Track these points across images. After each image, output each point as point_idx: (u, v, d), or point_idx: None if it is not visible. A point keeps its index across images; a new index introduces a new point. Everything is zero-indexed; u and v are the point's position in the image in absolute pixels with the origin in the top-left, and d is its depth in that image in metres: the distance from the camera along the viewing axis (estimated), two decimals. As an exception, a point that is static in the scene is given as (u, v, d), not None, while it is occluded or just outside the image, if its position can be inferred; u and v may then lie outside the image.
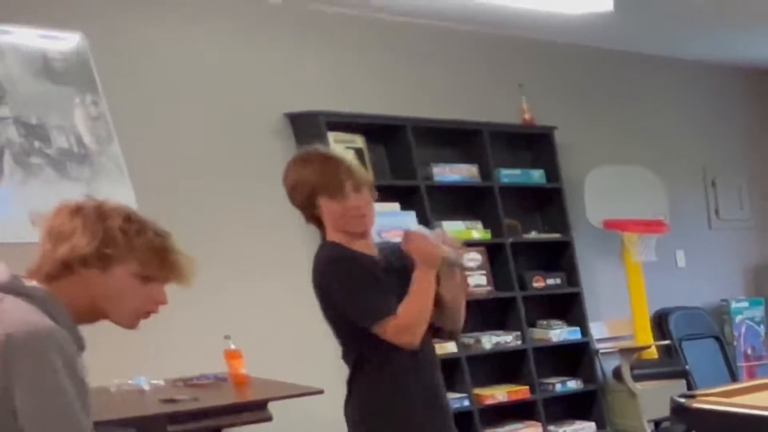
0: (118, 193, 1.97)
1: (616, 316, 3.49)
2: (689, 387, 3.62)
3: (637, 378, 3.58)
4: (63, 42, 2.19)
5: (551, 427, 3.38)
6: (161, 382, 2.27)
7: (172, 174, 2.27)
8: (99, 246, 0.79)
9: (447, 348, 2.82)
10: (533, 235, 3.09)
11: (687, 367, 3.77)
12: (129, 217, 0.85)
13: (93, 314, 0.81)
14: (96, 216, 0.83)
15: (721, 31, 3.35)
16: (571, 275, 3.15)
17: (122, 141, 2.18)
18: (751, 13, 3.08)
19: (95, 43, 2.20)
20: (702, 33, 3.40)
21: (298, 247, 2.34)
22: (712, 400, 2.22)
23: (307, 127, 2.56)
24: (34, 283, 0.85)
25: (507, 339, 3.07)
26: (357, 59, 2.80)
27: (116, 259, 0.80)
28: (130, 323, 0.83)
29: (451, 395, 2.90)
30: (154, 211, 2.06)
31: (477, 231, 2.89)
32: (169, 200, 2.20)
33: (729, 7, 2.92)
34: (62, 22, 2.23)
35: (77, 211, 0.85)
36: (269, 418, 2.08)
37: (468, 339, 2.99)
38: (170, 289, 0.85)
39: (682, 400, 2.35)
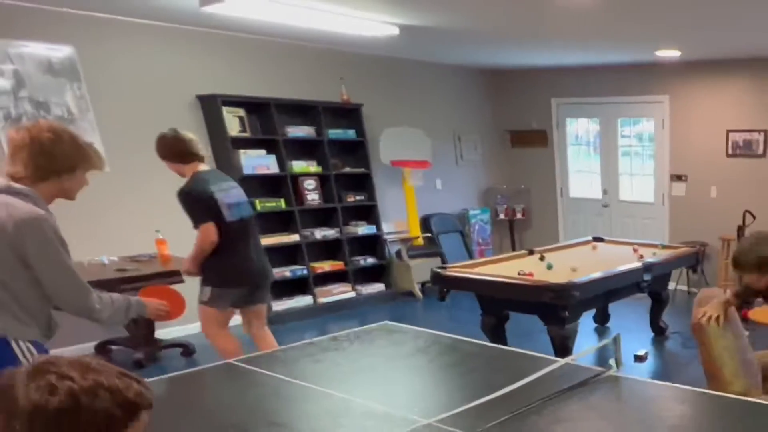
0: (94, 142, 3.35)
1: (398, 218, 5.35)
2: (443, 262, 5.38)
3: (410, 257, 5.48)
4: (60, 51, 3.43)
5: (358, 287, 5.08)
6: (116, 259, 3.46)
7: (126, 131, 3.66)
8: (67, 161, 1.34)
9: (293, 238, 4.50)
10: (347, 169, 4.76)
11: (442, 250, 5.64)
12: (76, 139, 1.44)
13: (53, 200, 1.38)
14: (69, 139, 1.42)
15: (467, 47, 4.84)
16: (371, 194, 4.94)
17: (96, 112, 3.54)
18: (485, 36, 4.47)
19: (81, 52, 3.49)
20: (455, 47, 4.85)
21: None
22: (456, 269, 3.77)
23: (209, 104, 4.03)
24: (22, 185, 1.35)
25: (331, 232, 4.76)
26: (242, 61, 4.31)
27: (78, 167, 1.37)
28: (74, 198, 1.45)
29: (296, 267, 4.66)
30: (115, 151, 3.77)
31: (313, 167, 4.56)
32: (124, 147, 3.62)
33: (472, 32, 4.24)
34: (60, 39, 3.46)
35: (54, 134, 1.41)
36: (182, 281, 3.18)
37: (306, 232, 4.57)
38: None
39: (439, 269, 3.76)
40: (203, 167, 2.71)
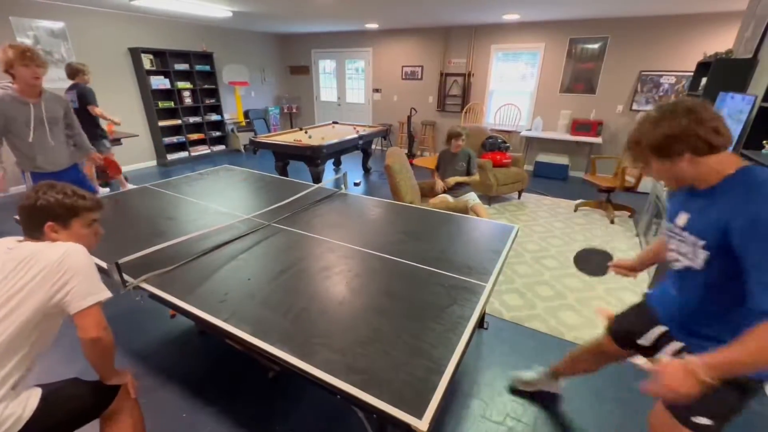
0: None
1: (232, 111, 8.63)
2: (255, 134, 8.32)
3: (238, 131, 8.64)
4: (57, 25, 5.60)
5: (212, 147, 8.33)
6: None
7: (93, 68, 6.02)
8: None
9: (178, 122, 7.74)
10: (206, 86, 7.81)
11: (254, 128, 8.34)
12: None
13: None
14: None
15: (267, 22, 7.22)
16: (218, 99, 8.11)
17: (77, 56, 5.84)
18: (279, 17, 7.21)
19: (68, 25, 5.73)
20: (259, 22, 7.06)
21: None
22: (262, 138, 5.94)
23: (134, 52, 6.49)
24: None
25: (198, 119, 7.80)
26: (152, 29, 6.59)
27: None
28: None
29: (180, 137, 7.91)
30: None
31: (188, 85, 7.61)
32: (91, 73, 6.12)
33: (271, 14, 6.93)
34: (58, 17, 5.56)
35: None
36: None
37: (185, 119, 7.69)
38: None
39: (252, 138, 5.10)
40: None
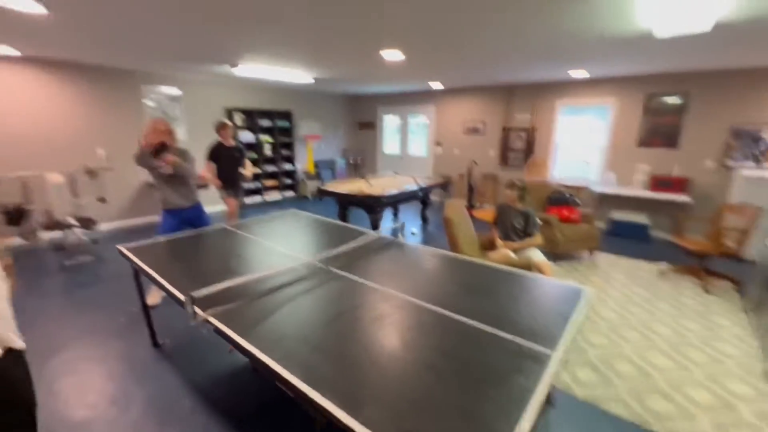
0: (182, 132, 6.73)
1: (304, 161, 9.42)
2: (322, 182, 8.54)
3: (307, 179, 9.06)
4: (174, 90, 6.47)
5: (283, 193, 8.98)
6: None
7: (197, 125, 6.89)
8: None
9: (257, 170, 8.31)
10: (283, 139, 8.52)
11: (322, 177, 8.79)
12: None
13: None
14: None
15: (341, 85, 8.32)
16: (292, 150, 8.77)
17: (186, 116, 6.62)
18: (349, 80, 8.30)
19: (183, 91, 6.60)
20: (335, 85, 8.26)
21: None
22: (327, 186, 5.17)
23: (229, 111, 7.28)
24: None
25: (274, 168, 8.64)
26: (245, 92, 7.57)
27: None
28: None
29: (257, 183, 8.50)
30: (193, 133, 7.35)
31: (269, 138, 8.27)
32: (197, 132, 6.95)
33: (344, 79, 7.70)
34: (174, 84, 6.45)
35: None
36: None
37: (264, 167, 8.52)
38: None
39: (320, 186, 5.14)
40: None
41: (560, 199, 5.10)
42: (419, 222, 6.43)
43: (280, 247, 2.72)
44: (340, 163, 9.59)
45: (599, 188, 6.16)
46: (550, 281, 2.21)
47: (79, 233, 4.99)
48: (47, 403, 2.30)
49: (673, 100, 5.71)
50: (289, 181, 8.48)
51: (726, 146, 5.41)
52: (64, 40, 3.99)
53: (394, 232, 2.93)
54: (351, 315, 1.79)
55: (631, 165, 6.19)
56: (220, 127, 4.67)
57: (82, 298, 3.67)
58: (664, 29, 3.18)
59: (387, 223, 6.08)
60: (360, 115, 9.95)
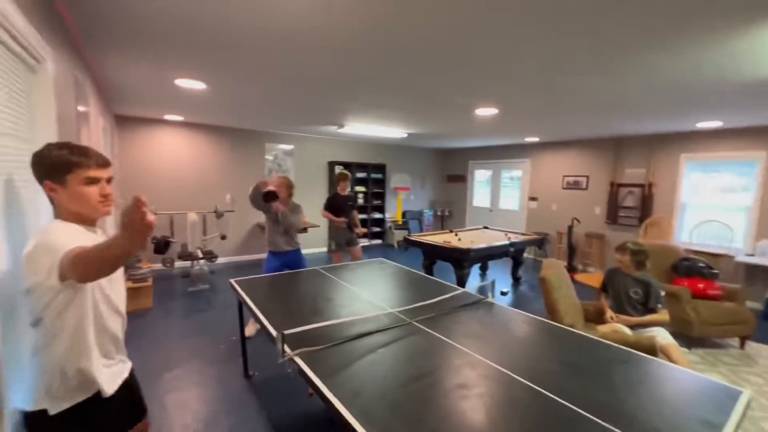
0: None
1: (393, 211, 9.39)
2: (408, 233, 8.62)
3: (395, 229, 8.97)
4: (290, 146, 7.37)
5: (372, 241, 9.08)
6: None
7: (303, 178, 7.66)
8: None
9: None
10: (376, 190, 8.71)
11: (409, 227, 8.75)
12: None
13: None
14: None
15: (432, 139, 8.47)
16: (383, 200, 9.09)
17: (296, 171, 7.49)
18: (442, 135, 8.12)
19: (295, 147, 7.45)
20: (428, 140, 8.48)
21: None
22: (414, 237, 5.34)
23: (331, 165, 8.02)
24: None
25: (364, 216, 9.05)
26: (347, 148, 8.21)
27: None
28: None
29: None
30: (299, 185, 8.25)
31: (363, 189, 8.73)
32: (300, 185, 7.65)
33: (435, 134, 7.82)
34: (290, 143, 7.49)
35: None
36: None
37: (358, 216, 8.87)
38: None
39: (406, 236, 5.32)
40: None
41: (692, 268, 4.17)
42: (510, 281, 5.92)
43: (367, 294, 2.71)
44: (428, 214, 9.58)
45: (748, 259, 4.97)
46: (688, 373, 1.75)
47: (202, 264, 5.71)
48: (159, 415, 2.51)
49: None
50: (377, 229, 8.71)
51: None
52: (212, 108, 4.88)
53: (483, 290, 2.72)
54: (433, 377, 1.65)
55: (794, 231, 4.93)
56: (341, 178, 4.93)
57: (197, 321, 4.08)
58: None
59: (474, 279, 5.70)
60: (450, 168, 9.98)
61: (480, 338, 2.05)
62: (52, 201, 1.19)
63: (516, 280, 5.89)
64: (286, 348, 1.84)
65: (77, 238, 1.13)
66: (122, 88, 3.78)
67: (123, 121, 5.81)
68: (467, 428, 1.31)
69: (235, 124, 6.36)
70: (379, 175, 8.61)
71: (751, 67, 2.66)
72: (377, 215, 8.70)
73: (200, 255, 5.59)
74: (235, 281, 2.98)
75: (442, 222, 9.90)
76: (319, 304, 2.47)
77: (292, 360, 1.78)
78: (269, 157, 7.16)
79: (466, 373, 1.69)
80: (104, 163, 1.22)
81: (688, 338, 3.95)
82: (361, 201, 8.40)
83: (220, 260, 6.78)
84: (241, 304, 2.80)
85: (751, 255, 5.14)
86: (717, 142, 5.53)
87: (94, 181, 1.20)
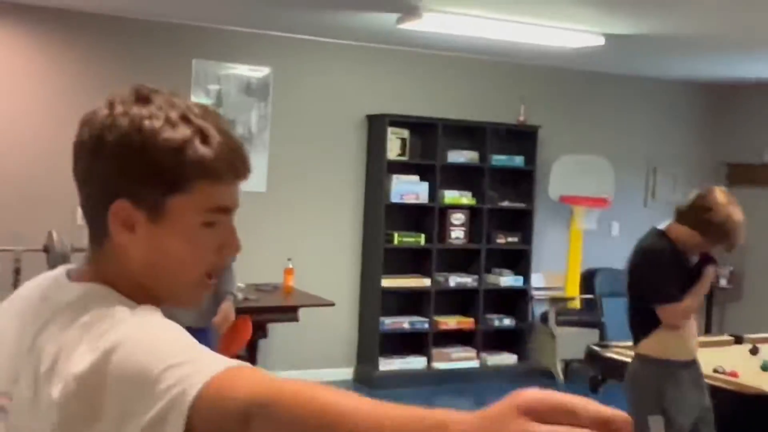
0: (258, 162, 2.92)
1: (554, 269, 3.72)
2: (601, 337, 3.52)
3: (559, 323, 3.64)
4: (259, 72, 3.17)
5: (484, 354, 3.53)
6: (242, 286, 2.59)
7: (292, 152, 3.17)
8: None
9: (422, 283, 3.28)
10: (506, 203, 3.44)
11: (603, 320, 3.68)
12: None
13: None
14: None
15: (683, 57, 3.42)
16: (527, 235, 3.51)
17: (271, 131, 3.15)
18: (699, 43, 3.13)
19: (275, 72, 3.18)
20: (666, 57, 3.47)
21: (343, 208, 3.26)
22: (621, 350, 2.23)
23: (377, 124, 3.28)
24: None
25: (468, 280, 3.41)
26: (419, 79, 3.45)
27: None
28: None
29: (416, 318, 3.38)
30: (277, 171, 2.95)
31: (467, 198, 3.39)
32: (286, 168, 3.14)
33: (684, 38, 3.02)
34: (260, 61, 3.19)
35: None
36: (296, 320, 2.67)
37: (439, 277, 3.29)
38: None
39: (596, 347, 2.39)
40: None
41: None
42: None
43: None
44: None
45: None
46: None
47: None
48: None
49: None
50: (505, 320, 3.58)
51: None
52: None
53: None
54: None
55: None
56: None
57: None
58: None
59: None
60: (738, 144, 4.22)
61: None
62: (101, 243, 0.42)
63: None
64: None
65: None
66: None
67: None
68: None
69: (115, 9, 2.93)
70: (518, 160, 3.39)
71: None
72: (506, 278, 3.46)
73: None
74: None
75: (709, 304, 4.00)
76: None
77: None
78: (205, 99, 2.83)
79: None
80: (245, 172, 0.45)
81: None
82: (458, 238, 3.27)
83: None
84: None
85: None
86: None
87: (224, 212, 0.44)
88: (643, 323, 1.94)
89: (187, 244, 0.40)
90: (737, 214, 1.80)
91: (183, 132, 0.37)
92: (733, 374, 2.21)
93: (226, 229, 0.42)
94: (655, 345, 1.93)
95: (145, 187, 0.38)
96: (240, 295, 2.45)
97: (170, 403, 0.30)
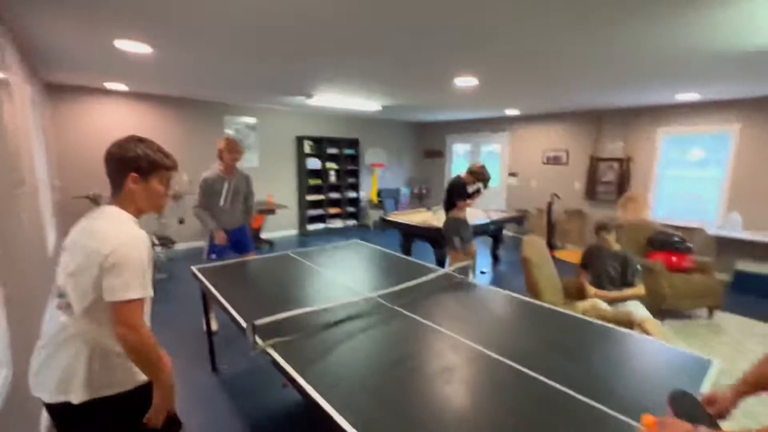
0: (254, 155, 7.32)
1: (367, 190, 9.56)
2: (385, 212, 8.62)
3: (370, 208, 9.11)
4: (251, 120, 7.07)
5: (346, 222, 8.74)
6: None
7: (265, 156, 7.37)
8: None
9: (321, 197, 8.57)
10: (350, 167, 8.65)
11: (385, 207, 8.69)
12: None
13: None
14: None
15: (409, 112, 8.41)
16: (357, 178, 9.02)
17: (259, 146, 7.19)
18: (419, 107, 7.90)
19: (258, 121, 7.12)
20: (403, 112, 8.44)
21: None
22: (391, 216, 5.75)
23: (299, 139, 7.76)
24: None
25: (338, 195, 8.45)
26: (315, 120, 7.99)
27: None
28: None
29: (319, 210, 8.68)
30: (266, 160, 8.36)
31: (335, 166, 8.62)
32: (265, 163, 7.40)
33: (413, 106, 7.87)
34: (251, 114, 7.23)
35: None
36: (274, 213, 7.59)
37: (327, 194, 8.43)
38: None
39: (382, 216, 6.32)
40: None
41: (666, 242, 4.48)
42: (490, 260, 6.10)
43: (343, 279, 2.70)
44: (405, 192, 9.64)
45: (719, 231, 5.34)
46: (664, 346, 1.87)
47: (158, 251, 5.48)
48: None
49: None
50: (351, 209, 8.65)
51: None
52: (161, 76, 4.57)
53: (463, 270, 2.78)
54: (414, 362, 1.65)
55: (762, 204, 5.30)
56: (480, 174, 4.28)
57: (156, 315, 3.93)
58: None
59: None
60: (427, 144, 9.98)
61: (461, 320, 2.08)
62: (120, 189, 1.36)
63: (496, 259, 6.07)
64: (258, 339, 1.79)
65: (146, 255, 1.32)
66: (52, 49, 3.45)
67: (57, 91, 5.36)
68: (452, 412, 1.33)
69: (189, 94, 6.02)
70: (352, 151, 8.49)
71: (728, 37, 2.73)
72: (351, 194, 8.62)
73: (156, 241, 5.35)
74: (198, 269, 2.87)
75: (420, 200, 9.96)
76: (292, 292, 2.43)
77: (264, 351, 1.74)
78: (229, 131, 6.87)
79: (449, 356, 1.71)
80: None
81: (660, 311, 4.18)
82: (333, 179, 8.28)
83: (178, 246, 6.54)
84: (205, 294, 2.70)
85: (722, 227, 5.51)
86: (693, 115, 5.80)
87: (168, 182, 1.43)
88: (449, 206, 4.20)
89: (156, 191, 1.40)
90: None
91: (157, 155, 1.37)
92: (427, 221, 7.91)
93: (167, 190, 1.42)
94: (456, 213, 4.13)
95: (142, 170, 1.34)
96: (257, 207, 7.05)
97: (136, 274, 1.25)
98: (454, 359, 1.69)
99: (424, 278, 2.56)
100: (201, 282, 2.62)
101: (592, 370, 1.62)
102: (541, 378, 1.56)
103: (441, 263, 4.52)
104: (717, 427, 1.14)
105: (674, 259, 4.28)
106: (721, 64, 3.53)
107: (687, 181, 6.01)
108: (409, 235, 5.07)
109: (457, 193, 4.19)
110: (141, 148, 1.34)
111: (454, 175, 9.39)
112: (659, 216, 6.26)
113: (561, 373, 1.58)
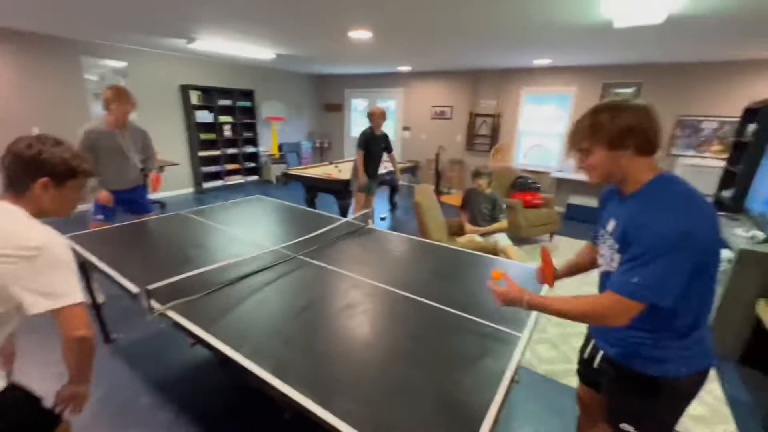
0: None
1: (267, 144, 8.90)
2: (287, 166, 8.56)
3: (271, 163, 8.74)
4: (120, 64, 5.98)
5: (246, 177, 8.30)
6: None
7: (143, 105, 6.41)
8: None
9: (216, 153, 7.99)
10: (245, 120, 8.10)
11: (287, 160, 8.50)
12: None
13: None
14: None
15: (306, 64, 8.00)
16: (255, 132, 8.47)
17: (134, 92, 6.17)
18: (317, 59, 7.64)
19: (129, 64, 6.04)
20: (300, 63, 7.68)
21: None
22: (293, 170, 5.45)
23: (184, 89, 6.90)
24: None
25: (235, 150, 7.98)
26: (201, 68, 7.14)
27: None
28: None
29: (217, 167, 8.17)
30: (145, 112, 7.54)
31: (230, 119, 7.96)
32: (141, 113, 6.44)
33: (310, 57, 7.92)
34: (120, 58, 6.13)
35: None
36: (163, 171, 6.96)
37: (223, 149, 7.97)
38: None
39: (285, 170, 5.91)
40: None
41: (524, 184, 5.38)
42: (388, 207, 6.51)
43: (245, 235, 2.69)
44: (306, 146, 9.46)
45: (559, 174, 6.67)
46: (516, 265, 2.33)
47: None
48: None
49: (625, 90, 6.13)
50: (251, 164, 8.26)
51: (672, 136, 5.93)
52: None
53: (363, 217, 2.94)
54: (321, 304, 1.80)
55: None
56: (377, 116, 4.61)
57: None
58: (622, 19, 3.32)
59: (357, 208, 6.20)
60: (326, 97, 9.81)
61: (362, 262, 2.28)
62: (24, 192, 1.22)
63: (393, 205, 6.56)
64: (154, 303, 1.75)
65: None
66: None
67: None
68: (357, 344, 1.51)
69: (32, 27, 4.91)
70: (248, 104, 7.91)
71: (572, 13, 3.22)
72: (250, 149, 8.16)
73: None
74: (72, 236, 2.56)
75: (322, 154, 9.91)
76: (191, 252, 2.35)
77: (163, 315, 1.71)
78: (92, 77, 5.84)
79: (351, 294, 1.89)
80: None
81: (519, 239, 5.19)
82: (228, 134, 7.70)
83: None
84: (85, 265, 2.45)
85: (560, 171, 6.82)
86: (548, 78, 6.79)
87: (82, 189, 1.32)
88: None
89: (70, 198, 1.28)
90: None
91: (76, 161, 1.26)
92: (330, 174, 7.81)
93: (78, 197, 1.29)
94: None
95: (58, 176, 1.22)
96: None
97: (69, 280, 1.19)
98: (356, 296, 1.88)
99: (327, 228, 2.67)
100: (76, 253, 2.36)
101: (466, 290, 1.97)
102: (429, 302, 1.84)
103: (344, 213, 4.71)
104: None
105: (529, 198, 5.24)
106: (565, 35, 4.14)
107: (541, 135, 7.17)
108: (313, 188, 5.18)
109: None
110: (59, 153, 1.22)
111: (353, 129, 9.66)
112: (520, 163, 7.35)
113: (444, 296, 1.89)
